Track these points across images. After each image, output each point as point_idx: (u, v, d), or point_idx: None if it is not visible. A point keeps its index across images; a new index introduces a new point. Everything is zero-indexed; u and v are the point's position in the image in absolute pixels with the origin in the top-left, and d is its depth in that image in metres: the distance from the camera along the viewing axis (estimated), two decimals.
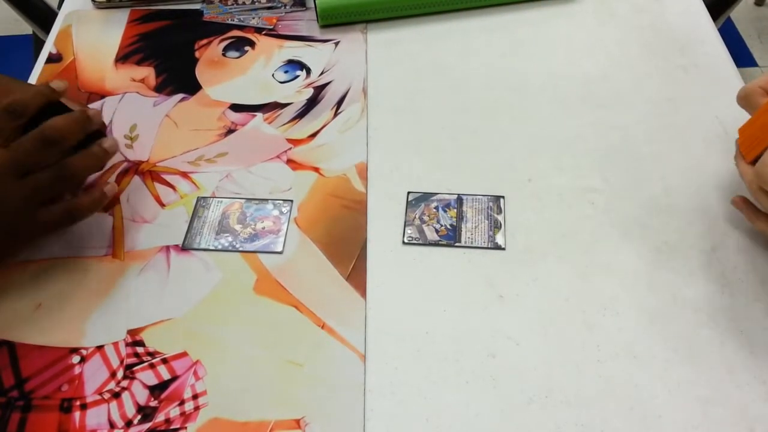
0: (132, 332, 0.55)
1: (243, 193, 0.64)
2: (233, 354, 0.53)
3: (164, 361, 0.53)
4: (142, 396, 0.52)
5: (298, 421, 0.50)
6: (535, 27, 0.78)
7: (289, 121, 0.70)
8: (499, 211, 0.61)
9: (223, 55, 0.76)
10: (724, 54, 0.75)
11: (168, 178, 0.65)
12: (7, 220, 0.54)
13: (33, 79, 0.74)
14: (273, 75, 0.74)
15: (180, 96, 0.72)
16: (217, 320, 0.55)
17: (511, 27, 0.78)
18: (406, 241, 0.60)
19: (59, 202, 0.57)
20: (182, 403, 0.51)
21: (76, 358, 0.54)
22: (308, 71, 0.74)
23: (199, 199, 0.63)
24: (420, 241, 0.59)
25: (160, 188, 0.64)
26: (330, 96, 0.72)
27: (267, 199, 0.63)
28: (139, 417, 0.51)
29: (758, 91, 0.55)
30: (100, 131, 0.60)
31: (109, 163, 0.63)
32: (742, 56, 1.91)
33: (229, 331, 0.55)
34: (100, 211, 0.62)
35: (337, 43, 0.77)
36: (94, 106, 0.71)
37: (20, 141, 0.53)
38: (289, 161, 0.66)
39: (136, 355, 0.54)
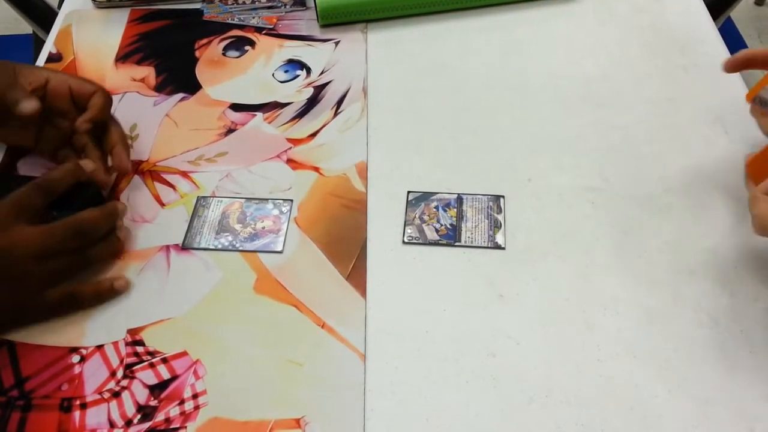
0: (132, 332, 0.55)
1: (243, 192, 0.64)
2: (233, 353, 0.53)
3: (164, 360, 0.53)
4: (142, 395, 0.52)
5: (298, 421, 0.50)
6: (535, 27, 0.78)
7: (289, 121, 0.69)
8: (499, 210, 0.61)
9: (223, 54, 0.76)
10: (725, 54, 0.75)
11: (168, 177, 0.65)
12: (19, 299, 0.53)
13: None
14: (273, 74, 0.74)
15: (180, 95, 0.72)
16: (217, 320, 0.55)
17: (511, 27, 0.78)
18: (406, 240, 0.60)
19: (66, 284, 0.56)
20: (182, 402, 0.51)
21: (76, 358, 0.54)
22: (308, 71, 0.74)
23: (199, 198, 0.63)
24: (420, 241, 0.59)
25: (160, 188, 0.64)
26: (330, 95, 0.72)
27: (267, 199, 0.63)
28: (139, 416, 0.51)
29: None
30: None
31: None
32: None
33: (229, 330, 0.55)
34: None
35: (337, 43, 0.77)
36: None
37: (53, 227, 0.53)
38: (289, 161, 0.66)
39: (136, 354, 0.54)
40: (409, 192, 0.63)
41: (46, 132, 0.63)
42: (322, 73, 0.74)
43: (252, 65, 0.75)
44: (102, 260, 0.58)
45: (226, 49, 0.77)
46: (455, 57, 0.75)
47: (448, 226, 0.60)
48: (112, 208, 0.58)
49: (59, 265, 0.54)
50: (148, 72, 0.75)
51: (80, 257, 0.56)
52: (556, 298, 0.56)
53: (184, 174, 0.65)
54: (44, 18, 1.16)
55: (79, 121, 0.61)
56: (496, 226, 0.60)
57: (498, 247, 0.59)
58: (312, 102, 0.71)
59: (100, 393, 0.52)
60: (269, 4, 0.81)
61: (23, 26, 1.35)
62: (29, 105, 0.58)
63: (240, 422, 0.50)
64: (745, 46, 1.92)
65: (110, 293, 0.57)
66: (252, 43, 0.77)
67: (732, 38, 1.94)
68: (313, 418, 0.50)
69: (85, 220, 0.55)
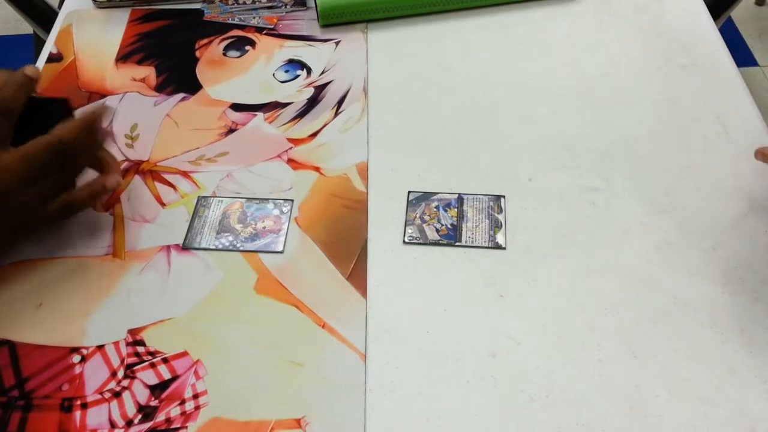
0: (132, 332, 0.55)
1: (243, 192, 0.64)
2: (234, 353, 0.54)
3: (165, 360, 0.53)
4: (143, 395, 0.52)
5: (298, 421, 0.50)
6: (535, 27, 0.78)
7: (290, 121, 0.70)
8: (500, 210, 0.61)
9: (224, 54, 0.77)
10: (725, 54, 0.75)
11: (168, 177, 0.65)
12: (14, 223, 0.54)
13: None
14: (273, 74, 0.74)
15: (180, 95, 0.72)
16: (218, 320, 0.55)
17: (511, 27, 0.78)
18: (406, 240, 0.60)
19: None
20: (183, 402, 0.51)
21: (76, 358, 0.54)
22: (309, 71, 0.74)
23: (199, 198, 0.63)
24: (420, 241, 0.60)
25: (160, 188, 0.64)
26: (330, 95, 0.72)
27: (267, 199, 0.63)
28: (139, 416, 0.51)
29: None
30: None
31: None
32: (742, 56, 1.91)
33: (230, 330, 0.55)
34: (100, 211, 0.62)
35: (337, 43, 0.77)
36: (95, 106, 0.71)
37: (29, 150, 0.52)
38: (290, 161, 0.66)
39: (137, 354, 0.54)
40: (409, 192, 0.63)
41: None
42: (322, 73, 0.74)
43: (252, 65, 0.75)
44: (86, 168, 0.58)
45: (226, 49, 0.77)
46: (456, 57, 0.75)
47: (449, 226, 0.60)
48: (87, 119, 0.56)
49: (47, 187, 0.54)
50: (148, 72, 0.75)
51: (66, 174, 0.55)
52: (556, 298, 0.56)
53: (185, 174, 0.65)
54: (45, 18, 1.16)
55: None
56: (496, 226, 0.60)
57: (498, 247, 0.59)
58: (312, 102, 0.71)
59: (101, 393, 0.52)
60: (270, 4, 0.81)
61: (24, 26, 1.35)
62: (32, 68, 0.56)
63: (241, 422, 0.50)
64: (746, 47, 1.92)
65: (103, 191, 0.58)
66: (252, 43, 0.78)
67: (732, 38, 1.94)
68: (314, 418, 0.50)
69: (62, 136, 0.53)
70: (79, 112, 0.58)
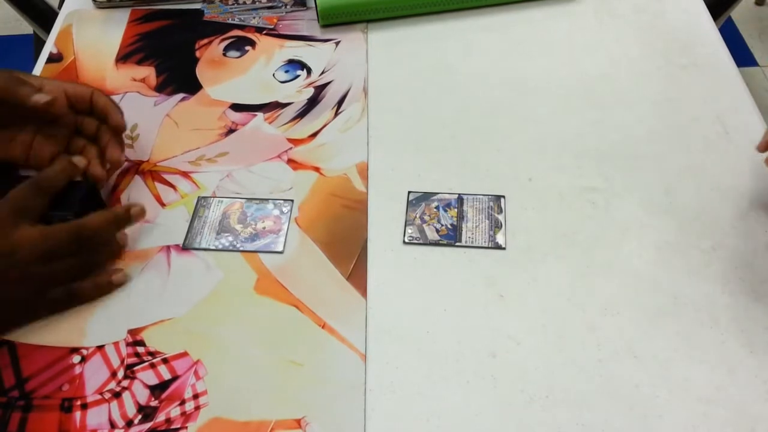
0: (132, 332, 0.55)
1: (243, 192, 0.64)
2: (234, 354, 0.54)
3: (165, 360, 0.53)
4: (143, 396, 0.52)
5: (298, 421, 0.50)
6: (535, 27, 0.78)
7: (290, 121, 0.70)
8: (500, 210, 0.61)
9: (224, 54, 0.77)
10: (725, 54, 0.75)
11: (168, 177, 0.65)
12: (22, 299, 0.54)
13: None
14: (273, 75, 0.74)
15: (180, 96, 0.72)
16: (218, 320, 0.55)
17: (511, 27, 0.78)
18: (406, 240, 0.60)
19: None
20: (183, 402, 0.51)
21: (76, 358, 0.54)
22: (309, 71, 0.74)
23: (199, 198, 0.63)
24: (421, 241, 0.60)
25: (160, 188, 0.64)
26: (331, 96, 0.72)
27: (267, 199, 0.63)
28: (139, 417, 0.51)
29: None
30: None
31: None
32: (742, 56, 1.91)
33: (230, 330, 0.55)
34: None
35: (337, 43, 0.77)
36: None
37: (55, 229, 0.54)
38: (290, 161, 0.66)
39: (137, 354, 0.54)
40: (409, 192, 0.63)
41: (38, 144, 0.61)
42: (322, 73, 0.74)
43: (252, 65, 0.75)
44: (104, 265, 0.58)
45: (226, 49, 0.77)
46: (456, 57, 0.75)
47: (449, 226, 0.60)
48: (117, 213, 0.58)
49: (62, 267, 0.54)
50: (148, 72, 0.75)
51: (83, 261, 0.56)
52: (556, 298, 0.56)
53: (185, 174, 0.65)
54: (45, 18, 1.16)
55: (120, 125, 0.62)
56: (496, 226, 0.60)
57: (498, 247, 0.59)
58: (312, 102, 0.71)
59: (101, 393, 0.52)
60: (270, 4, 0.81)
61: (24, 26, 1.35)
62: (42, 96, 0.58)
63: (241, 422, 0.50)
64: (746, 47, 1.92)
65: (109, 287, 0.57)
66: (252, 44, 0.78)
67: (732, 38, 1.94)
68: (314, 419, 0.50)
69: (89, 224, 0.55)
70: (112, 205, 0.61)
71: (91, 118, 0.63)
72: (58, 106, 0.60)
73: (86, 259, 0.56)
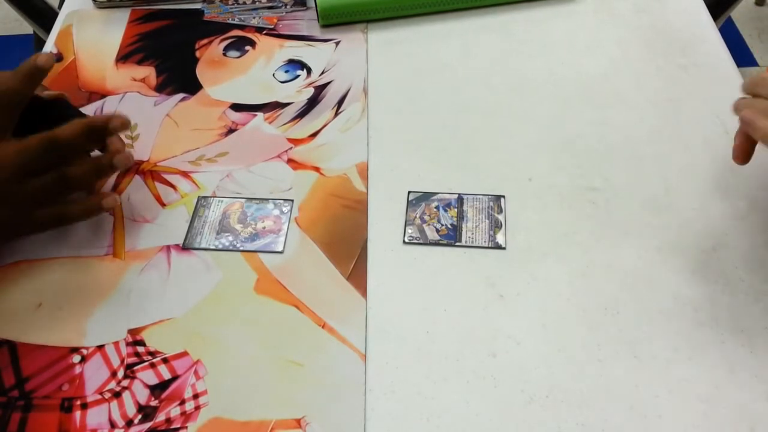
0: (132, 332, 0.55)
1: (244, 192, 0.64)
2: (234, 354, 0.54)
3: (165, 360, 0.53)
4: (143, 395, 0.52)
5: (298, 421, 0.50)
6: (535, 27, 0.78)
7: (290, 121, 0.70)
8: (500, 210, 0.61)
9: (224, 54, 0.77)
10: (725, 54, 0.75)
11: (169, 177, 0.65)
12: (3, 220, 0.53)
13: None
14: (273, 74, 0.74)
15: (181, 96, 0.72)
16: (218, 320, 0.55)
17: (511, 27, 0.78)
18: (406, 240, 0.60)
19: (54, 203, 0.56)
20: (183, 402, 0.51)
21: (76, 358, 0.54)
22: (309, 71, 0.74)
23: (199, 198, 0.63)
24: (420, 241, 0.60)
25: (160, 188, 0.64)
26: (331, 95, 0.72)
27: (267, 199, 0.63)
28: (139, 416, 0.51)
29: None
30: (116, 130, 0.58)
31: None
32: (742, 56, 1.91)
33: (230, 330, 0.55)
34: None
35: (337, 43, 0.77)
36: (95, 105, 0.71)
37: (27, 143, 0.52)
38: (290, 161, 0.66)
39: (137, 354, 0.54)
40: (409, 192, 0.63)
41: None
42: (322, 73, 0.74)
43: (252, 65, 0.75)
44: (86, 180, 0.56)
45: (226, 49, 0.77)
46: (456, 57, 0.75)
47: (449, 226, 0.60)
48: (92, 121, 0.55)
49: (41, 184, 0.53)
50: (148, 72, 0.75)
51: (62, 175, 0.54)
52: (556, 298, 0.56)
53: (185, 174, 0.65)
54: (45, 18, 1.16)
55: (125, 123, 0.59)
56: (496, 226, 0.60)
57: (498, 247, 0.59)
58: (312, 102, 0.71)
59: (101, 393, 0.52)
60: (270, 4, 0.81)
61: (24, 26, 1.35)
62: (46, 56, 0.55)
63: (240, 422, 0.50)
64: (746, 47, 1.92)
65: (98, 209, 0.56)
66: (252, 43, 0.78)
67: (732, 38, 1.94)
68: (314, 419, 0.50)
69: (62, 133, 0.53)
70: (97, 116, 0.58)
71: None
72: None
73: (65, 174, 0.54)
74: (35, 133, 0.53)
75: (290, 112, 0.70)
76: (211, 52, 0.77)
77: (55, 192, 0.55)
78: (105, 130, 0.57)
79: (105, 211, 0.57)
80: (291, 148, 0.67)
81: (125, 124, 0.57)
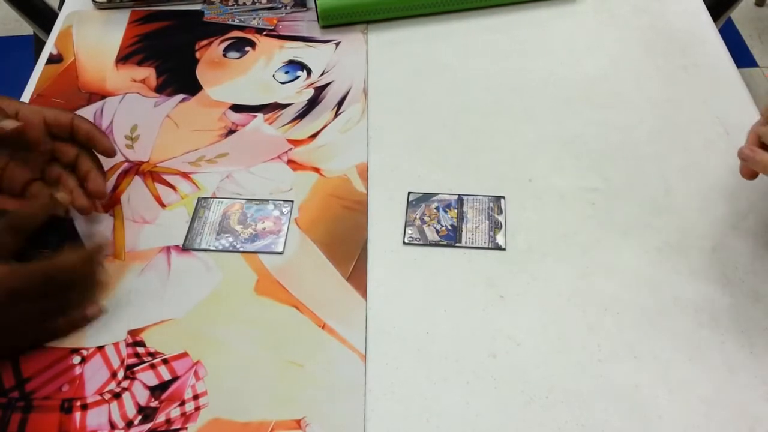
0: (132, 332, 0.55)
1: (244, 193, 0.64)
2: (234, 354, 0.54)
3: (165, 361, 0.53)
4: (143, 396, 0.52)
5: (298, 422, 0.50)
6: (535, 27, 0.78)
7: (290, 122, 0.70)
8: (500, 211, 0.61)
9: (224, 55, 0.77)
10: (725, 54, 0.75)
11: (168, 178, 0.65)
12: None
13: (34, 79, 0.74)
14: (273, 75, 0.74)
15: (181, 96, 0.72)
16: (218, 320, 0.55)
17: (511, 27, 0.78)
18: (406, 241, 0.60)
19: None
20: (183, 403, 0.51)
21: (76, 359, 0.54)
22: (309, 72, 0.74)
23: (199, 199, 0.63)
24: (420, 242, 0.60)
25: (160, 189, 0.64)
26: (331, 96, 0.72)
27: (267, 200, 0.63)
28: (139, 417, 0.51)
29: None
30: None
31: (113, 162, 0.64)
32: (742, 56, 1.91)
33: (230, 331, 0.55)
34: (100, 211, 0.62)
35: (337, 44, 0.77)
36: (95, 106, 0.71)
37: (22, 270, 0.50)
38: (290, 162, 0.66)
39: (137, 355, 0.54)
40: (409, 193, 0.63)
41: (11, 170, 0.57)
42: (322, 74, 0.74)
43: (252, 66, 0.75)
44: (82, 303, 0.55)
45: (226, 50, 0.77)
46: (456, 58, 0.75)
47: (449, 227, 0.60)
48: (89, 253, 0.55)
49: (33, 309, 0.52)
50: (148, 73, 0.75)
51: (56, 303, 0.53)
52: (556, 298, 0.56)
53: (185, 175, 0.65)
54: (45, 19, 1.16)
55: (109, 149, 0.60)
56: (496, 226, 0.60)
57: (498, 247, 0.59)
58: (312, 103, 0.71)
59: (101, 394, 0.52)
60: (270, 5, 0.82)
61: (24, 27, 1.35)
62: (10, 123, 0.54)
63: (241, 423, 0.50)
64: (746, 47, 1.92)
65: (83, 322, 0.55)
66: (252, 44, 0.78)
67: (732, 39, 1.94)
68: (314, 419, 0.50)
69: (60, 265, 0.52)
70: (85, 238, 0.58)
71: (69, 145, 0.59)
72: (32, 133, 0.56)
73: (60, 301, 0.54)
74: (35, 245, 0.53)
75: (290, 113, 0.70)
76: (211, 53, 0.77)
77: (49, 316, 0.54)
78: (101, 257, 0.57)
79: (90, 323, 0.56)
80: (291, 149, 0.67)
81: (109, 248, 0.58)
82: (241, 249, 0.60)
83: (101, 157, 0.61)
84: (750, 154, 0.54)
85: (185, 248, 0.60)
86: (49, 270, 0.51)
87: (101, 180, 0.60)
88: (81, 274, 0.54)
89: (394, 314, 0.55)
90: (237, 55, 0.77)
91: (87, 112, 0.71)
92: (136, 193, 0.64)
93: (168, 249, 0.60)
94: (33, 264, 0.51)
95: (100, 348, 0.54)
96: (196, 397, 0.51)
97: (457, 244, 0.59)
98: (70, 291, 0.54)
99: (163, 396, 0.52)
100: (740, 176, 0.56)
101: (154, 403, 0.51)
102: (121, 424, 0.50)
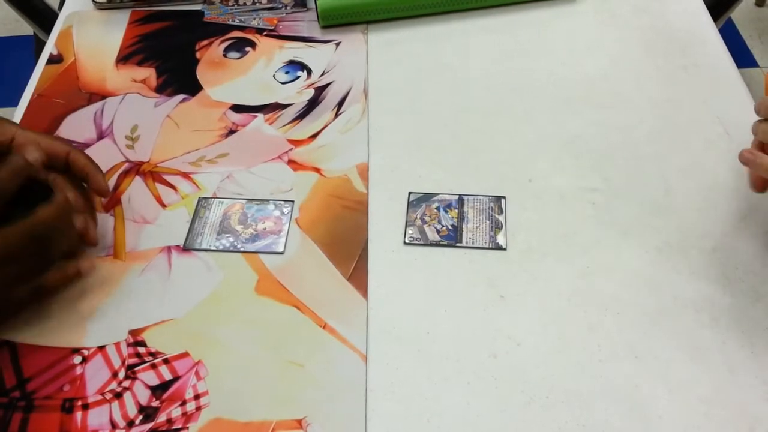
0: (133, 332, 0.55)
1: (244, 193, 0.64)
2: (235, 354, 0.54)
3: (166, 361, 0.53)
4: (144, 396, 0.52)
5: (299, 422, 0.50)
6: (535, 27, 0.78)
7: (290, 122, 0.70)
8: (500, 211, 0.61)
9: (224, 55, 0.77)
10: (725, 54, 0.75)
11: (169, 178, 0.65)
12: None
13: (34, 79, 0.74)
14: (274, 76, 0.74)
15: (181, 97, 0.72)
16: (219, 320, 0.55)
17: (511, 27, 0.78)
18: (407, 241, 0.60)
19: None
20: (184, 403, 0.51)
21: (77, 359, 0.54)
22: (309, 72, 0.74)
23: (200, 199, 0.63)
24: (421, 242, 0.60)
25: (161, 189, 0.64)
26: (331, 96, 0.72)
27: (268, 200, 0.63)
28: (140, 417, 0.51)
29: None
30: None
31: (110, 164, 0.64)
32: (742, 56, 1.91)
33: (231, 331, 0.55)
34: (100, 211, 0.62)
35: (338, 44, 0.77)
36: (95, 107, 0.71)
37: (7, 232, 0.50)
38: (290, 162, 0.66)
39: (138, 355, 0.54)
40: (410, 193, 0.63)
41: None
42: (322, 74, 0.74)
43: (253, 66, 0.75)
44: (65, 256, 0.55)
45: (226, 50, 0.77)
46: (456, 58, 0.75)
47: (449, 227, 0.60)
48: (63, 202, 0.54)
49: (21, 269, 0.52)
50: (149, 73, 0.75)
51: (43, 259, 0.53)
52: (557, 298, 0.56)
53: (185, 175, 0.65)
54: (45, 19, 1.16)
55: (102, 188, 0.59)
56: (497, 226, 0.60)
57: (499, 247, 0.59)
58: (313, 103, 0.71)
59: (102, 394, 0.52)
60: (270, 5, 0.82)
61: (24, 27, 1.35)
62: (37, 153, 0.53)
63: (241, 423, 0.50)
64: (746, 47, 1.92)
65: (77, 276, 0.56)
66: (253, 45, 0.78)
67: (732, 39, 1.94)
68: (315, 419, 0.50)
69: (40, 222, 0.52)
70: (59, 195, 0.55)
71: (63, 177, 0.58)
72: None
73: (46, 256, 0.54)
74: (16, 208, 0.52)
75: (290, 113, 0.70)
76: (211, 53, 0.77)
77: (35, 273, 0.54)
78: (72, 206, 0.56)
79: (84, 277, 0.56)
80: (291, 149, 0.67)
81: (102, 189, 0.57)
82: (242, 249, 0.60)
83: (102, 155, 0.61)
84: (750, 157, 0.55)
85: (186, 248, 0.60)
86: (31, 227, 0.51)
87: (93, 226, 0.59)
88: (60, 225, 0.54)
89: (394, 314, 0.55)
90: (237, 55, 0.77)
91: (87, 113, 0.71)
92: (136, 193, 0.64)
93: (169, 249, 0.60)
94: (12, 225, 0.51)
95: (101, 348, 0.54)
96: (197, 397, 0.51)
97: (458, 244, 0.59)
98: (54, 244, 0.54)
99: (164, 396, 0.52)
100: (740, 176, 0.56)
101: (155, 403, 0.51)
102: (122, 423, 0.50)
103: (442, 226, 0.60)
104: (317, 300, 0.56)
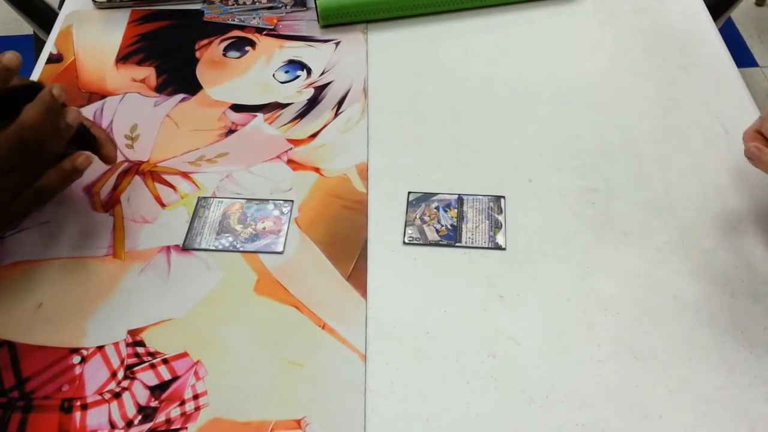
0: (132, 332, 0.55)
1: (244, 193, 0.64)
2: (234, 354, 0.54)
3: (165, 361, 0.53)
4: (143, 396, 0.52)
5: (298, 422, 0.50)
6: (535, 27, 0.78)
7: (290, 122, 0.70)
8: (500, 211, 0.61)
9: (224, 55, 0.77)
10: (725, 54, 0.75)
11: (168, 178, 0.65)
12: None
13: (34, 78, 0.74)
14: (273, 75, 0.74)
15: (181, 96, 0.72)
16: (218, 320, 0.55)
17: (511, 27, 0.78)
18: (406, 241, 0.60)
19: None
20: (183, 403, 0.51)
21: (76, 359, 0.54)
22: (309, 71, 0.74)
23: (199, 199, 0.63)
24: (420, 241, 0.60)
25: (160, 188, 0.64)
26: (331, 96, 0.72)
27: (267, 200, 0.63)
28: (139, 417, 0.51)
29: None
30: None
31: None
32: (742, 56, 1.91)
33: (230, 331, 0.55)
34: (100, 211, 0.62)
35: (337, 43, 0.77)
36: (95, 106, 0.71)
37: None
38: (290, 161, 0.66)
39: (137, 355, 0.54)
40: (409, 192, 0.63)
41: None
42: (322, 73, 0.74)
43: (252, 66, 0.75)
44: (61, 152, 0.55)
45: (226, 49, 0.77)
46: (456, 57, 0.75)
47: (449, 227, 0.60)
48: (48, 99, 0.53)
49: (16, 178, 0.52)
50: (148, 73, 0.75)
51: (37, 161, 0.53)
52: (556, 298, 0.56)
53: (185, 175, 0.65)
54: (45, 18, 1.16)
55: (111, 156, 0.60)
56: (496, 226, 0.60)
57: (498, 247, 0.59)
58: (312, 102, 0.71)
59: (101, 394, 0.52)
60: (270, 4, 0.81)
61: (24, 27, 1.35)
62: (11, 54, 0.53)
63: (241, 423, 0.50)
64: (746, 47, 1.92)
65: (75, 172, 0.56)
66: (252, 44, 0.78)
67: (732, 39, 1.94)
68: (314, 419, 0.50)
69: (28, 122, 0.51)
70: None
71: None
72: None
73: (41, 157, 0.53)
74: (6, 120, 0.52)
75: (290, 112, 0.70)
76: (211, 53, 0.77)
77: (32, 178, 0.54)
78: (61, 99, 0.55)
79: (82, 171, 0.56)
80: (291, 148, 0.67)
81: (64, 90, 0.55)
82: (241, 249, 0.60)
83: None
84: (756, 152, 0.54)
85: (185, 248, 0.60)
86: (20, 131, 0.51)
87: (112, 148, 0.60)
88: (48, 123, 0.53)
89: (394, 314, 0.55)
90: (237, 54, 0.77)
91: (87, 112, 0.71)
92: (136, 192, 0.64)
93: (168, 249, 0.60)
94: (2, 133, 0.50)
95: (100, 348, 0.54)
96: (196, 397, 0.51)
97: (457, 244, 0.59)
98: (47, 143, 0.53)
99: (163, 396, 0.52)
100: (740, 176, 0.56)
101: (154, 403, 0.51)
102: (121, 423, 0.50)
103: (442, 225, 0.60)
104: (316, 300, 0.56)
